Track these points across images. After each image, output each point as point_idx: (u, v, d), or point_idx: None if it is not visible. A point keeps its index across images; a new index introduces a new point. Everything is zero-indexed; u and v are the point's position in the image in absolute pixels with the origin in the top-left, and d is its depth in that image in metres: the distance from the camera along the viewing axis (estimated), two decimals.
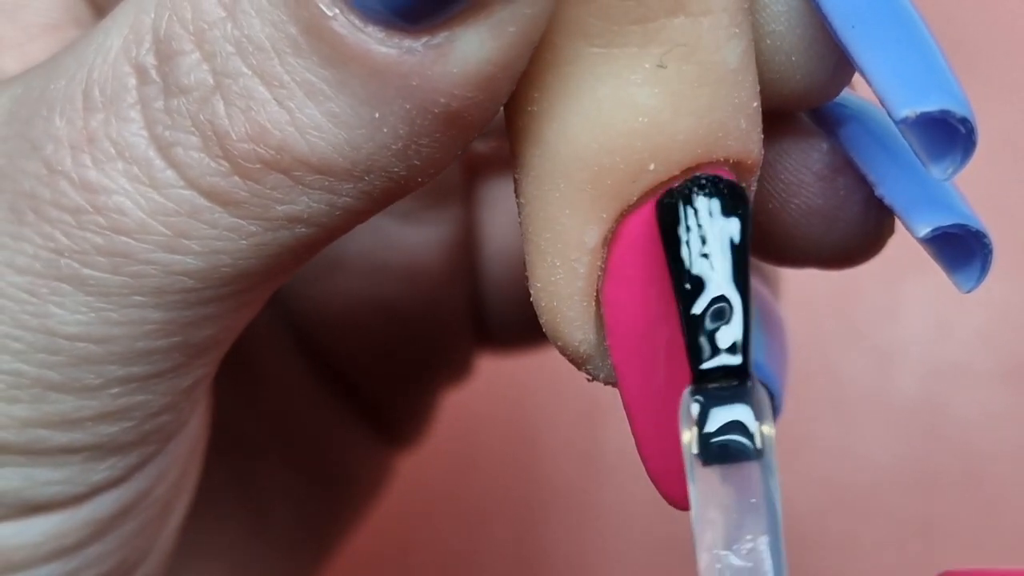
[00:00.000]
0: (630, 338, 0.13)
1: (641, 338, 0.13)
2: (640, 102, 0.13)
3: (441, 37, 0.12)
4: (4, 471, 0.14)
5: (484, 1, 0.12)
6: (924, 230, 0.14)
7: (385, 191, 0.13)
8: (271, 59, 0.12)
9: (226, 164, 0.13)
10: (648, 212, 0.13)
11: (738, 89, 0.13)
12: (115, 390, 0.14)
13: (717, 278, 0.12)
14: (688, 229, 0.13)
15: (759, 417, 0.12)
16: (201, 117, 0.12)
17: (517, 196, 0.14)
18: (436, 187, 0.22)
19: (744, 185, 0.13)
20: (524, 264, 0.14)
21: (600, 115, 0.13)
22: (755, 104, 0.13)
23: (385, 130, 0.12)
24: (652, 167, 0.13)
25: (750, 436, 0.12)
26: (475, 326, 0.24)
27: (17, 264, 0.13)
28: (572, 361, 0.14)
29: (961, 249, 0.14)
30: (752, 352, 0.12)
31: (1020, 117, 0.37)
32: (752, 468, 0.12)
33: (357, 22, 0.12)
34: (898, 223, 0.15)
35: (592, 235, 0.13)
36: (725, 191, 0.13)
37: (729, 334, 0.12)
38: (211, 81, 0.12)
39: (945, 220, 0.14)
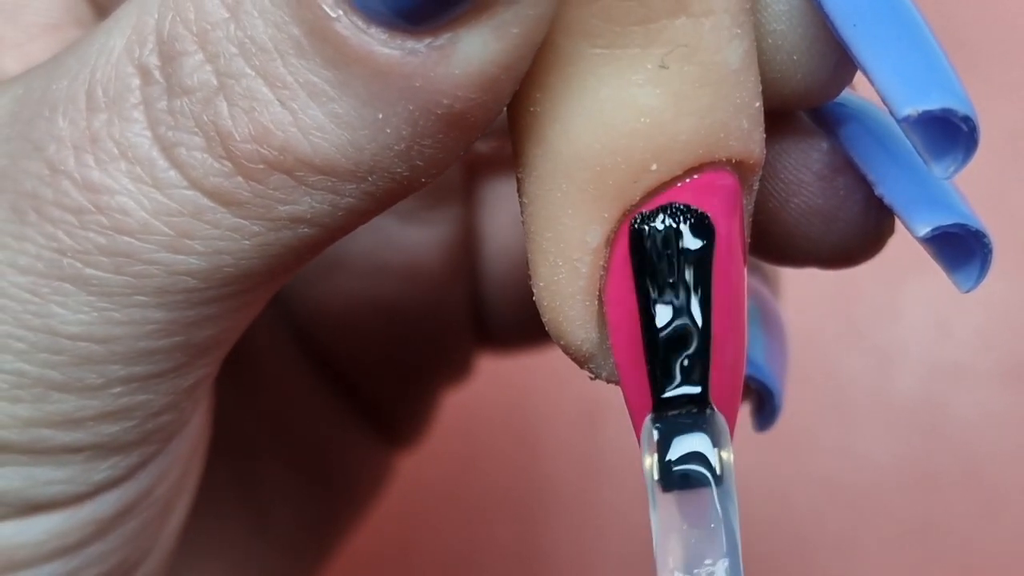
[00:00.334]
0: (633, 337, 0.13)
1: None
2: (642, 103, 0.13)
3: (444, 38, 0.12)
4: (6, 470, 0.14)
5: (487, 2, 0.12)
6: (924, 230, 0.14)
7: (388, 191, 0.13)
8: (274, 60, 0.12)
9: (229, 164, 0.13)
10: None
11: (740, 89, 0.13)
12: (117, 390, 0.14)
13: (680, 307, 0.13)
14: (655, 257, 0.13)
15: (718, 444, 0.13)
16: (204, 118, 0.12)
17: (520, 196, 0.14)
18: (437, 187, 0.22)
19: (745, 190, 0.13)
20: (526, 264, 0.14)
21: (602, 116, 0.13)
22: (757, 104, 0.13)
23: (388, 131, 0.12)
24: (654, 167, 0.13)
25: (709, 465, 0.13)
26: (475, 326, 0.24)
27: (19, 264, 0.13)
28: (574, 360, 0.14)
29: (961, 249, 0.14)
30: (710, 379, 0.13)
31: (1021, 116, 0.37)
32: (711, 494, 0.13)
33: (360, 23, 0.12)
34: (898, 223, 0.15)
35: (594, 235, 0.13)
36: (693, 220, 0.13)
37: (690, 363, 0.13)
38: (214, 82, 0.12)
39: (945, 220, 0.14)
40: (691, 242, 0.13)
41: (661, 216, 0.13)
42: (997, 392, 0.34)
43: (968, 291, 0.14)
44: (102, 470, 0.15)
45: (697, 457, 0.13)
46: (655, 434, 0.13)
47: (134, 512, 0.15)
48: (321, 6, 0.12)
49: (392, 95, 0.12)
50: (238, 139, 0.12)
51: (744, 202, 0.14)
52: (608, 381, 0.14)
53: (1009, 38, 0.38)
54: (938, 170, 0.13)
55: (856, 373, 0.35)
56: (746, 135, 0.13)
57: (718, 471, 0.13)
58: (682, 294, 0.13)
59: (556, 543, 0.34)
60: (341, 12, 0.12)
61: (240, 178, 0.13)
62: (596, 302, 0.14)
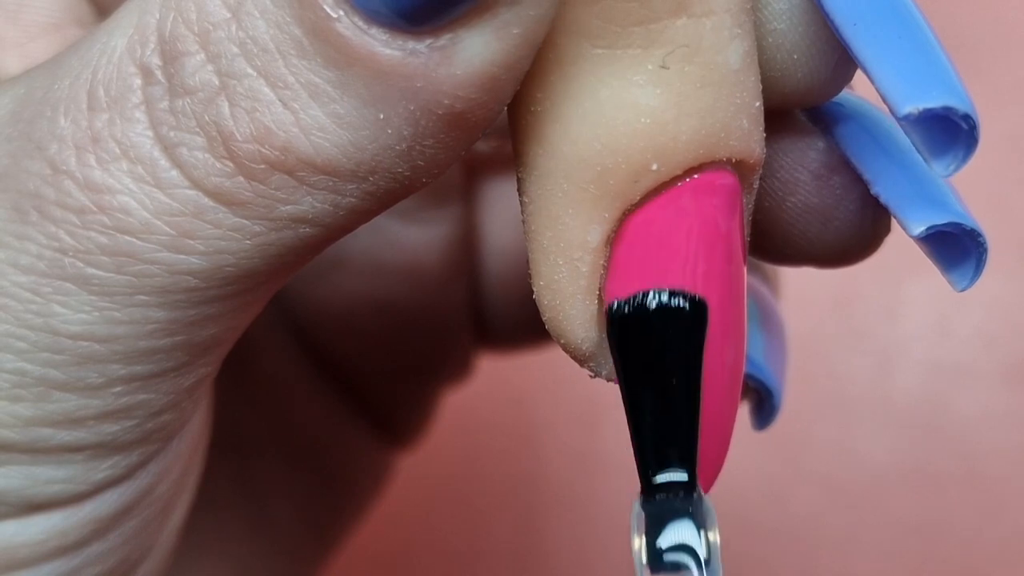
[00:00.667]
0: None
1: None
2: (642, 103, 0.13)
3: (445, 39, 0.12)
4: (7, 470, 0.14)
5: (488, 3, 0.12)
6: (919, 228, 0.14)
7: (389, 191, 0.13)
8: (275, 60, 0.12)
9: (231, 164, 0.13)
10: (648, 212, 0.13)
11: (740, 89, 0.13)
12: (118, 389, 0.14)
13: (667, 392, 0.13)
14: (641, 342, 0.13)
15: (704, 526, 0.13)
16: (206, 118, 0.12)
17: (520, 195, 0.14)
18: (437, 187, 0.22)
19: (746, 189, 0.13)
20: (526, 263, 0.14)
21: (603, 116, 0.13)
22: (757, 104, 0.13)
23: (389, 131, 0.12)
24: (655, 167, 0.13)
25: (696, 552, 0.13)
26: (475, 326, 0.24)
27: (21, 263, 0.13)
28: (575, 358, 0.14)
29: (956, 248, 0.14)
30: (698, 464, 0.13)
31: (1021, 117, 0.37)
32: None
33: (361, 24, 0.12)
34: (895, 223, 0.15)
35: (595, 234, 0.13)
36: (683, 304, 0.13)
37: (678, 448, 0.13)
38: (216, 82, 0.12)
39: (940, 218, 0.14)
40: (679, 328, 0.13)
41: (649, 299, 0.13)
42: (997, 392, 0.34)
43: (963, 290, 0.14)
44: (103, 469, 0.15)
45: (685, 545, 0.13)
46: (644, 518, 0.13)
47: (135, 511, 0.15)
48: (322, 7, 0.12)
49: (393, 95, 0.12)
50: (240, 139, 0.12)
51: (744, 201, 0.14)
52: (608, 380, 0.14)
53: (1009, 38, 0.38)
54: (938, 168, 0.13)
55: (856, 373, 0.35)
56: (746, 134, 0.13)
57: (705, 555, 0.13)
58: (669, 379, 0.13)
59: (556, 543, 0.34)
60: (342, 12, 0.12)
61: (242, 178, 0.13)
62: (596, 301, 0.14)
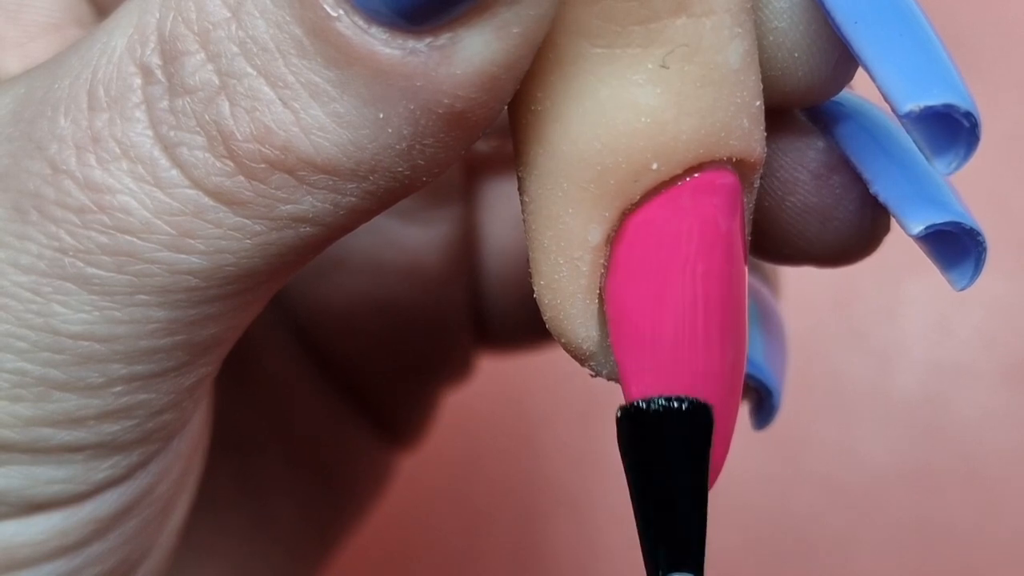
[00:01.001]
0: (633, 336, 0.13)
1: (644, 336, 0.13)
2: (642, 102, 0.13)
3: (445, 38, 0.12)
4: (7, 470, 0.14)
5: (488, 2, 0.11)
6: (918, 227, 0.14)
7: (389, 191, 0.13)
8: (275, 60, 0.12)
9: (231, 164, 0.12)
10: (648, 211, 0.13)
11: (740, 89, 0.13)
12: (118, 389, 0.14)
13: (673, 495, 0.13)
14: (649, 448, 0.13)
15: None
16: (206, 117, 0.12)
17: (521, 194, 0.14)
18: (436, 187, 0.22)
19: (746, 188, 0.13)
20: (526, 263, 0.14)
21: (602, 115, 0.13)
22: (757, 103, 0.13)
23: (389, 131, 0.12)
24: (655, 167, 0.13)
25: None
26: (476, 326, 0.24)
27: (21, 263, 0.13)
28: (575, 358, 0.14)
29: (955, 247, 0.14)
30: (704, 561, 0.13)
31: (1021, 116, 0.37)
32: None
33: (361, 23, 0.12)
34: (895, 222, 0.15)
35: (595, 234, 0.13)
36: (689, 409, 0.13)
37: (686, 554, 0.13)
38: (216, 81, 0.12)
39: (939, 217, 0.14)
40: (685, 434, 0.13)
41: (654, 405, 0.13)
42: (997, 391, 0.34)
43: (962, 289, 0.14)
44: (103, 469, 0.15)
45: None
46: None
47: (135, 511, 0.15)
48: (322, 6, 0.12)
49: (393, 95, 0.12)
50: (240, 139, 0.12)
51: (745, 200, 0.14)
52: (609, 379, 0.14)
53: (1009, 38, 0.38)
54: (940, 166, 0.13)
55: (856, 373, 0.35)
56: (747, 134, 0.13)
57: None
58: (676, 483, 0.13)
59: (556, 543, 0.34)
60: (342, 12, 0.12)
61: (242, 177, 0.13)
62: (597, 300, 0.14)
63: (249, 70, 0.12)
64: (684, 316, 0.13)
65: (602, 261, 0.13)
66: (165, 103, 0.13)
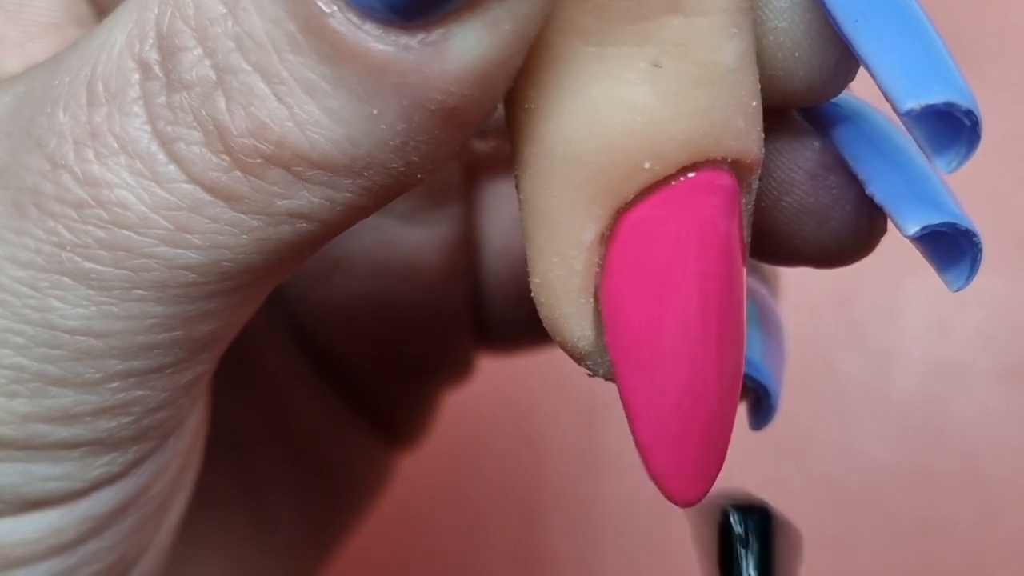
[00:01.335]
0: (629, 336, 0.13)
1: (640, 335, 0.13)
2: (636, 101, 0.13)
3: (437, 34, 0.12)
4: (3, 467, 0.14)
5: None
6: (913, 228, 0.14)
7: (385, 187, 0.13)
8: (270, 56, 0.12)
9: (227, 159, 0.13)
10: (642, 211, 0.13)
11: (737, 89, 0.13)
12: (115, 385, 0.14)
13: None
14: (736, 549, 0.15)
15: None
16: (203, 112, 0.12)
17: (517, 192, 0.14)
18: (436, 187, 0.22)
19: (744, 189, 0.13)
20: (526, 263, 0.14)
21: (595, 114, 0.13)
22: (754, 103, 0.13)
23: (383, 127, 0.12)
24: (648, 166, 0.13)
25: None
26: (476, 326, 0.24)
27: (19, 259, 0.13)
28: (572, 357, 0.14)
29: (951, 248, 0.14)
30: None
31: (1021, 117, 0.37)
32: None
33: (355, 19, 0.12)
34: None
35: (589, 232, 0.13)
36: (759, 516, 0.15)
37: None
38: (213, 77, 0.12)
39: (934, 218, 0.14)
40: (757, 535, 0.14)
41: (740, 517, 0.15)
42: (997, 391, 0.34)
43: (958, 290, 0.14)
44: (99, 466, 0.15)
45: None
46: None
47: (130, 509, 0.15)
48: (316, 3, 0.12)
49: (386, 91, 0.12)
50: (235, 133, 0.12)
51: (743, 201, 0.14)
52: (606, 379, 0.14)
53: (1009, 38, 0.38)
54: (940, 165, 0.13)
55: (856, 373, 0.35)
56: (743, 134, 0.13)
57: None
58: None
59: (556, 543, 0.34)
60: (336, 8, 0.12)
61: (238, 172, 0.13)
62: (592, 299, 0.14)
63: (245, 66, 0.12)
64: (680, 317, 0.13)
65: (597, 260, 0.13)
66: (163, 98, 0.13)
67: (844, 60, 0.14)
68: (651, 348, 0.13)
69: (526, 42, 0.12)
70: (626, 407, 0.14)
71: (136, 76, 0.13)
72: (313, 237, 0.13)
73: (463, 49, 0.12)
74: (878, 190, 0.15)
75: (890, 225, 0.15)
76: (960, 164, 0.13)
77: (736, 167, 0.13)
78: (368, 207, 0.13)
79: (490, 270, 0.23)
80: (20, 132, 0.14)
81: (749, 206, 0.14)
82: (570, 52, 0.13)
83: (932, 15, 0.14)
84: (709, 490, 0.14)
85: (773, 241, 0.16)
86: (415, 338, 0.23)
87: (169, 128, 0.13)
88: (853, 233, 0.15)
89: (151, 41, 0.13)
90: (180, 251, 0.13)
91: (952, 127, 0.13)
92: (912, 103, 0.13)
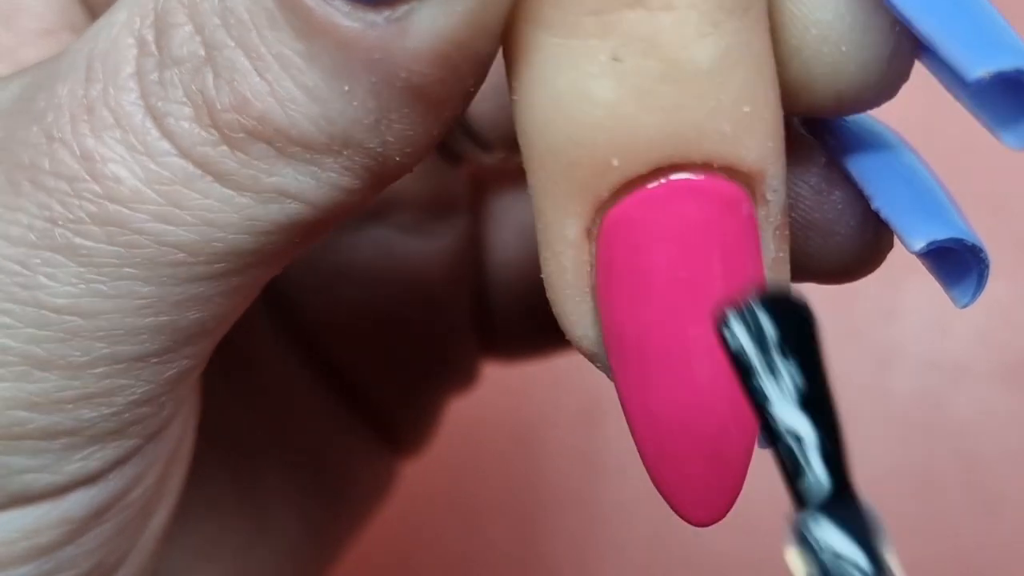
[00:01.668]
0: (619, 340, 0.13)
1: (630, 341, 0.13)
2: (597, 95, 0.12)
3: (401, 11, 0.12)
4: None
5: None
6: (919, 244, 0.14)
7: (366, 167, 0.13)
8: (250, 32, 0.12)
9: (215, 133, 0.13)
10: (622, 211, 0.13)
11: (716, 91, 0.12)
12: (100, 370, 0.14)
13: (792, 401, 0.12)
14: (750, 356, 0.12)
15: (869, 539, 0.12)
16: (192, 87, 0.13)
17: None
18: (440, 199, 0.22)
19: (758, 198, 0.13)
20: (530, 273, 0.14)
21: (561, 106, 0.13)
22: (746, 108, 0.13)
23: (355, 103, 0.12)
24: (616, 163, 0.12)
25: (862, 567, 0.12)
26: (480, 335, 0.23)
27: (11, 235, 0.13)
28: (584, 356, 0.14)
29: (957, 263, 0.14)
30: (850, 470, 0.12)
31: None
32: None
33: None
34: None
35: (571, 228, 0.13)
36: (781, 303, 0.11)
37: (821, 456, 0.12)
38: (202, 53, 0.13)
39: (940, 234, 0.14)
40: (786, 330, 0.11)
41: (744, 309, 0.11)
42: (997, 392, 0.34)
43: (965, 306, 0.14)
44: (76, 460, 0.14)
45: (846, 559, 0.11)
46: (798, 531, 0.12)
47: (109, 514, 0.15)
48: None
49: (356, 67, 0.12)
50: (220, 108, 0.13)
51: (757, 212, 0.13)
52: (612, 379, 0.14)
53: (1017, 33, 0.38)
54: (1010, 140, 0.13)
55: (856, 373, 0.35)
56: (729, 139, 0.13)
57: (870, 570, 0.11)
58: (790, 386, 0.12)
59: (556, 543, 0.34)
60: None
61: (225, 147, 0.13)
62: (590, 298, 0.13)
63: (229, 41, 0.13)
64: (668, 327, 0.13)
65: (586, 258, 0.13)
66: (156, 74, 0.13)
67: (898, 55, 0.13)
68: (641, 355, 0.13)
69: (482, 26, 0.12)
70: (626, 412, 0.14)
71: (133, 52, 0.13)
72: (303, 221, 0.13)
73: (422, 27, 0.12)
74: (884, 206, 0.14)
75: (893, 241, 0.15)
76: None
77: (734, 175, 0.13)
78: (355, 190, 0.13)
79: (495, 280, 0.23)
80: (18, 111, 0.14)
81: (771, 218, 0.13)
82: (538, 43, 0.13)
83: None
84: (727, 511, 0.14)
85: None
86: (419, 347, 0.23)
87: (160, 103, 0.13)
88: (858, 249, 0.15)
89: (150, 20, 0.13)
90: (171, 227, 0.13)
91: (1017, 100, 0.13)
92: (982, 70, 0.12)
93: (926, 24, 0.13)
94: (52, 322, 0.13)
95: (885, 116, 0.15)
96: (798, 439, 0.12)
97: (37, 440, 0.14)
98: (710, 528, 0.14)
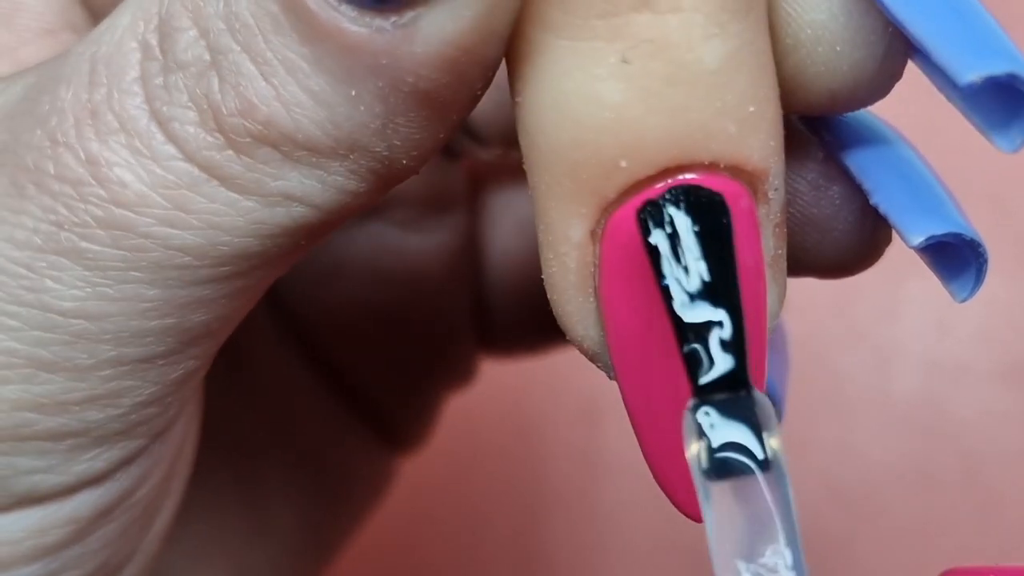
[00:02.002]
0: (626, 337, 0.13)
1: (637, 337, 0.13)
2: (605, 97, 0.12)
3: (408, 17, 0.12)
4: None
5: None
6: (918, 239, 0.14)
7: (372, 171, 0.13)
8: (255, 36, 0.12)
9: (220, 137, 0.13)
10: (629, 211, 0.13)
11: (722, 92, 0.13)
12: (105, 372, 0.14)
13: (703, 289, 0.12)
14: (665, 245, 0.12)
15: (762, 428, 0.12)
16: (197, 91, 0.13)
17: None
18: (439, 196, 0.22)
19: (760, 197, 0.13)
20: (529, 270, 0.14)
21: (568, 108, 0.13)
22: (752, 108, 0.13)
23: (362, 108, 0.12)
24: (624, 164, 0.13)
25: (752, 451, 0.12)
26: (478, 332, 0.24)
27: (16, 238, 0.13)
28: (585, 356, 0.14)
29: (956, 258, 0.14)
30: (750, 359, 0.12)
31: None
32: (762, 481, 0.12)
33: (332, 1, 0.12)
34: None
35: (576, 229, 0.13)
36: (699, 200, 0.12)
37: (723, 345, 0.12)
38: (207, 57, 0.13)
39: (939, 229, 0.14)
40: (702, 223, 0.12)
41: (668, 200, 0.13)
42: (997, 392, 0.34)
43: (963, 300, 0.14)
44: (83, 460, 0.14)
45: (739, 445, 0.12)
46: (695, 422, 0.12)
47: (114, 514, 0.15)
48: None
49: (362, 72, 0.12)
50: (225, 112, 0.13)
51: (759, 210, 0.13)
52: (614, 380, 0.14)
53: (1011, 33, 0.38)
54: (1003, 144, 0.13)
55: (856, 373, 0.35)
56: (735, 139, 0.13)
57: (763, 456, 0.12)
58: (702, 276, 0.12)
59: (556, 543, 0.34)
60: None
61: (231, 152, 0.13)
62: (592, 298, 0.13)
63: (234, 46, 0.13)
64: (669, 325, 0.13)
65: (590, 259, 0.13)
66: (160, 79, 0.13)
67: (891, 54, 0.14)
68: (644, 355, 0.13)
69: (491, 31, 0.12)
70: (629, 412, 0.14)
71: (137, 56, 0.13)
72: (309, 224, 0.13)
73: (429, 33, 0.12)
74: (882, 201, 0.14)
75: (891, 235, 0.15)
76: None
77: (737, 174, 0.13)
78: (361, 192, 0.13)
79: (493, 277, 0.23)
80: (23, 113, 0.14)
81: (772, 216, 0.13)
82: (545, 46, 0.13)
83: None
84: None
85: None
86: (417, 344, 0.23)
87: (165, 108, 0.13)
88: (856, 244, 0.15)
89: (154, 24, 0.13)
90: (177, 231, 0.13)
91: (1010, 104, 0.13)
92: (973, 75, 0.12)
93: (918, 27, 0.13)
94: (58, 325, 0.14)
95: (885, 115, 0.15)
96: (701, 331, 0.12)
97: (44, 441, 0.14)
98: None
